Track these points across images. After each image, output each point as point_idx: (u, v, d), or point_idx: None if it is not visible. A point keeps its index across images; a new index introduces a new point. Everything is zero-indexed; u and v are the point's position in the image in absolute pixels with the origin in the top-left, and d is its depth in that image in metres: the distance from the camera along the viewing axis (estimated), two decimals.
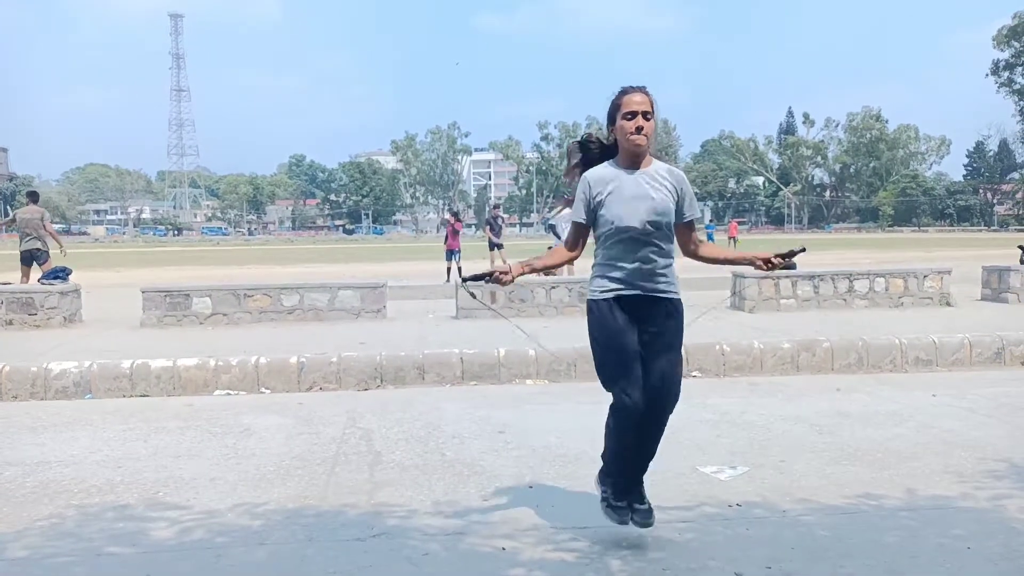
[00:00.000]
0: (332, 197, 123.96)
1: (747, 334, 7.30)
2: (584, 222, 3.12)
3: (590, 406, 5.59)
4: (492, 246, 16.85)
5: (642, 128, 2.98)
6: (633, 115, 2.98)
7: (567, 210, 14.97)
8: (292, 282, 10.27)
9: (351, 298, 9.37)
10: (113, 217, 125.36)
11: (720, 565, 2.92)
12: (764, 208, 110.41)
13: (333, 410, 5.59)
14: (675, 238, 3.15)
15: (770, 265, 3.05)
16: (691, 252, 3.22)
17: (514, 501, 3.63)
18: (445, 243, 17.30)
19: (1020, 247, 12.19)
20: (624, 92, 3.03)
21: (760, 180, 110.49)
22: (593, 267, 3.15)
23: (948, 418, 5.09)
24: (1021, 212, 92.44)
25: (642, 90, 3.03)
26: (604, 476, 3.20)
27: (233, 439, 4.84)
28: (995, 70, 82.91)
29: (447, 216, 22.46)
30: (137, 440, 4.85)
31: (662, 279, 3.05)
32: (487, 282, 3.08)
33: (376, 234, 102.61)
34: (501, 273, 3.04)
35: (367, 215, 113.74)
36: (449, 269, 16.78)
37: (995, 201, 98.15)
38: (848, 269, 10.36)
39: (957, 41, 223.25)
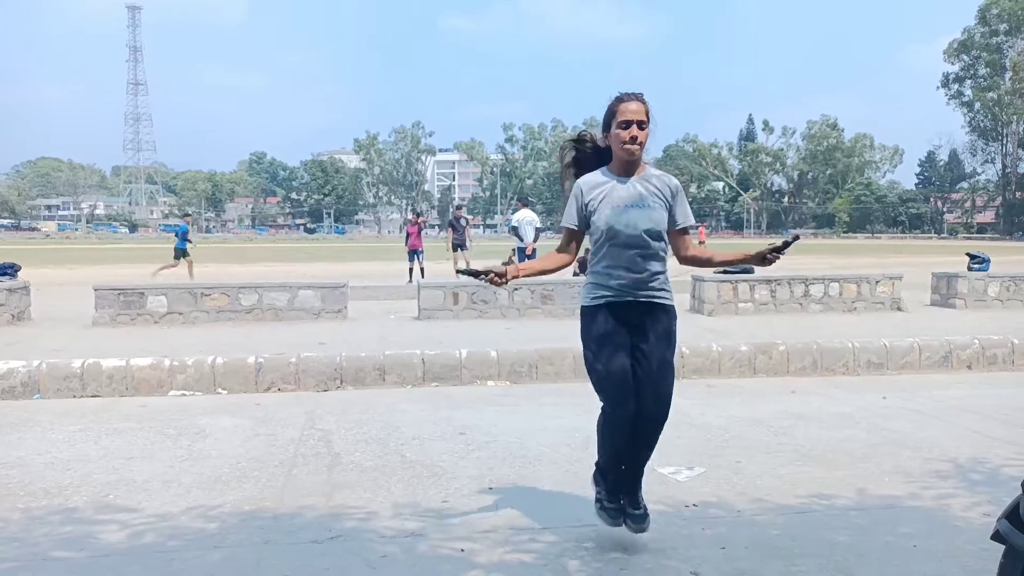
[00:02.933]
0: (293, 195, 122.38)
1: (705, 337, 7.41)
2: (576, 227, 3.13)
3: (552, 408, 5.62)
4: (455, 247, 16.79)
5: (636, 137, 3.00)
6: (628, 124, 3.00)
7: (525, 210, 15.04)
8: (251, 281, 10.10)
9: (311, 298, 9.27)
10: (65, 213, 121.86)
11: (677, 565, 2.96)
12: (724, 213, 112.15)
13: (292, 411, 5.52)
14: (672, 245, 3.17)
15: (770, 259, 3.03)
16: (685, 258, 3.24)
17: (474, 502, 3.63)
18: (407, 243, 17.19)
19: (968, 255, 12.58)
20: (620, 100, 3.04)
21: (721, 185, 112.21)
22: (587, 274, 3.16)
23: (898, 420, 5.23)
24: (969, 220, 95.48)
25: (638, 98, 3.04)
26: (598, 478, 3.21)
27: (188, 441, 4.74)
28: (945, 83, 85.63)
29: (409, 216, 22.34)
30: (87, 442, 4.73)
31: (655, 285, 3.07)
32: (481, 280, 2.98)
33: (338, 233, 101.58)
34: (496, 275, 2.96)
35: (329, 214, 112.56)
36: (411, 270, 16.69)
37: (945, 209, 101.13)
38: (804, 274, 10.58)
39: (910, 54, 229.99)
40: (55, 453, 4.48)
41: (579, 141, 3.28)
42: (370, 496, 3.72)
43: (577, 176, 3.22)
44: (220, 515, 3.47)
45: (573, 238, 3.17)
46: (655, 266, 3.06)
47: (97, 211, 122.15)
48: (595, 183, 3.10)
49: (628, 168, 3.08)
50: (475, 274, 2.96)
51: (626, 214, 3.01)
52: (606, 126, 3.10)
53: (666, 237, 3.10)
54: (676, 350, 3.17)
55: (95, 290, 8.99)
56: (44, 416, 5.39)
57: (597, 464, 3.24)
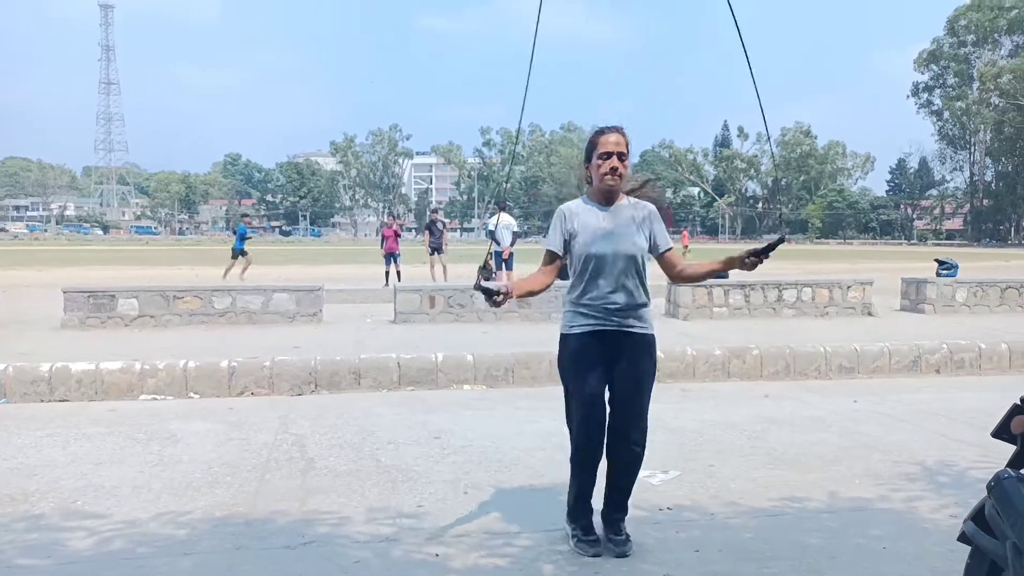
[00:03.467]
0: (269, 198, 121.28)
1: (680, 341, 7.46)
2: (557, 251, 3.19)
3: (527, 412, 5.63)
4: (432, 250, 16.81)
5: (616, 168, 3.10)
6: (608, 155, 3.10)
7: (502, 215, 15.06)
8: (224, 284, 9.99)
9: (286, 301, 9.19)
10: (35, 214, 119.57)
11: (651, 568, 2.97)
12: (699, 218, 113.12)
13: (265, 416, 5.46)
14: (661, 268, 3.27)
15: (752, 262, 3.04)
16: (676, 276, 3.30)
17: (449, 507, 3.62)
18: (383, 246, 17.11)
19: (936, 261, 12.82)
20: (600, 132, 3.15)
21: (696, 191, 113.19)
22: (566, 301, 3.21)
23: (868, 423, 5.30)
24: (938, 227, 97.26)
25: (618, 131, 3.15)
26: (571, 517, 3.23)
27: (159, 445, 4.67)
28: (916, 92, 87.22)
29: (386, 219, 22.24)
30: (55, 447, 4.64)
31: (633, 314, 3.12)
32: (493, 301, 2.94)
33: (314, 236, 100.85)
34: (504, 296, 2.94)
35: (305, 217, 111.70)
36: (388, 273, 16.61)
37: (915, 216, 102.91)
38: (777, 279, 10.70)
39: (881, 64, 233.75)
40: (21, 459, 4.39)
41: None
42: (344, 501, 3.70)
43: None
44: (191, 521, 3.43)
45: (555, 260, 3.22)
46: (634, 294, 3.12)
47: (67, 212, 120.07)
48: (575, 211, 3.19)
49: (608, 197, 3.18)
50: (487, 291, 2.92)
51: (605, 242, 3.09)
52: (587, 157, 3.20)
53: (644, 264, 3.16)
54: (653, 383, 3.20)
55: (64, 292, 8.83)
56: (10, 421, 5.28)
57: (570, 503, 3.24)
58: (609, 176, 3.10)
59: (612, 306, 3.08)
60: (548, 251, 3.22)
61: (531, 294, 3.23)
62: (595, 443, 3.11)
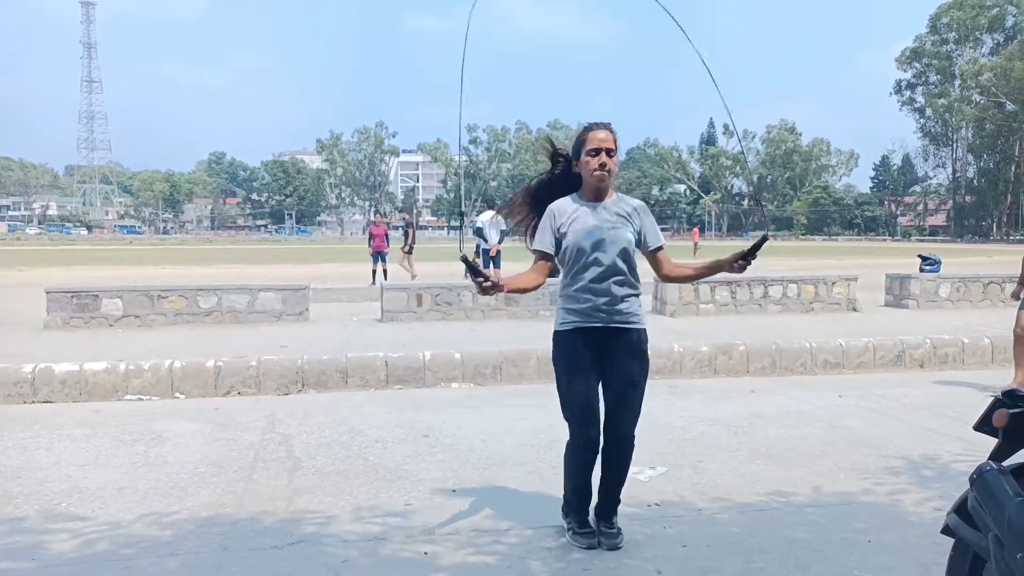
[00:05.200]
0: (254, 196, 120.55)
1: (667, 338, 7.49)
2: (547, 251, 3.18)
3: (515, 409, 5.63)
4: (407, 251, 16.97)
5: (605, 164, 3.09)
6: (597, 152, 3.09)
7: (490, 212, 15.06)
8: (210, 283, 9.93)
9: (272, 300, 9.14)
10: (16, 213, 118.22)
11: (639, 564, 2.98)
12: (686, 215, 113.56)
13: (252, 415, 5.43)
14: (650, 266, 3.27)
15: (741, 265, 3.06)
16: (665, 276, 3.31)
17: (437, 505, 3.62)
18: (371, 245, 17.05)
19: (920, 256, 12.93)
20: (589, 129, 3.14)
21: (682, 188, 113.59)
22: (558, 298, 3.22)
23: (853, 418, 5.35)
24: (922, 223, 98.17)
25: (607, 127, 3.14)
26: (567, 508, 3.27)
27: (144, 446, 4.64)
28: (898, 89, 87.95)
29: (373, 217, 22.16)
30: (39, 449, 4.60)
31: (625, 309, 3.13)
32: (478, 281, 2.84)
33: (300, 234, 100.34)
34: (487, 282, 2.84)
35: (291, 215, 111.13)
36: (375, 272, 16.56)
37: (899, 212, 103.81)
38: (763, 275, 10.76)
39: (865, 61, 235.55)
40: (4, 461, 4.34)
41: (555, 154, 3.33)
42: (332, 500, 3.69)
43: (536, 195, 3.31)
44: (177, 522, 3.41)
45: (545, 260, 3.21)
46: (625, 289, 3.13)
47: (50, 212, 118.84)
48: (566, 208, 3.17)
49: (597, 194, 3.17)
50: (475, 271, 2.85)
51: (595, 238, 3.09)
52: (576, 154, 3.19)
53: (634, 260, 3.17)
54: (647, 378, 3.22)
55: (47, 292, 8.74)
56: None
57: (565, 497, 3.28)
58: (598, 172, 3.09)
59: (603, 301, 3.09)
60: (538, 252, 3.20)
61: (522, 291, 3.24)
62: (591, 439, 3.13)
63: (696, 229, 47.30)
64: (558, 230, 3.15)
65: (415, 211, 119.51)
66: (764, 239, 3.01)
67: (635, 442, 3.19)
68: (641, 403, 3.19)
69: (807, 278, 10.79)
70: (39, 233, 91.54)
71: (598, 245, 3.08)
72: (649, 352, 3.26)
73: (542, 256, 3.20)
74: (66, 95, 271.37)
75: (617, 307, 3.11)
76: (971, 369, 7.39)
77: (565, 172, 3.28)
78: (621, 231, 3.11)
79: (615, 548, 3.10)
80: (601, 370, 3.13)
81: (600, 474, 3.20)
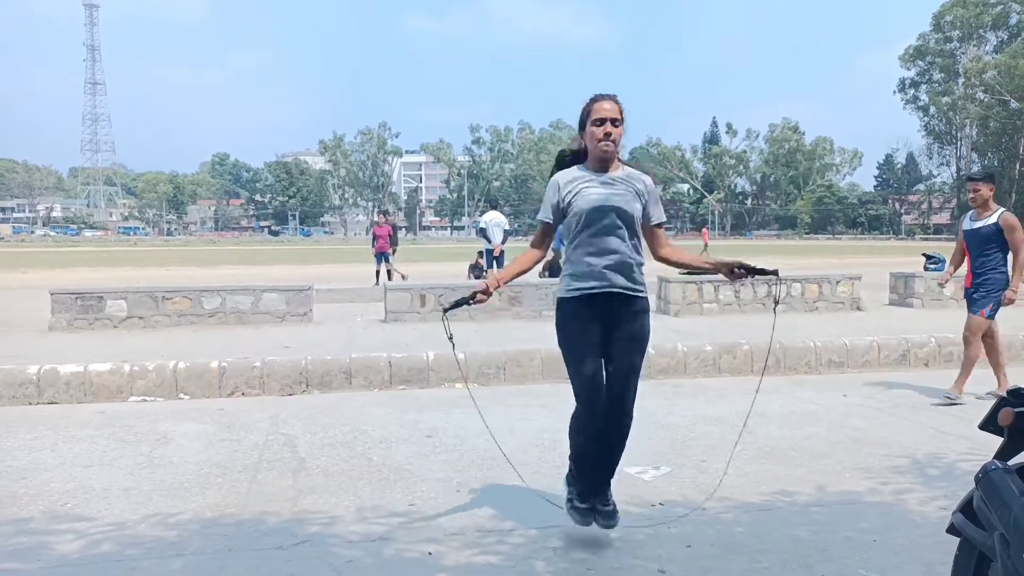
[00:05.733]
0: (257, 197, 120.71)
1: (671, 337, 7.48)
2: (551, 221, 3.18)
3: (519, 409, 5.63)
4: (393, 252, 16.85)
5: (610, 134, 3.08)
6: (602, 122, 3.08)
7: (493, 212, 15.05)
8: (214, 284, 9.94)
9: (276, 301, 9.15)
10: (21, 215, 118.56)
11: (643, 564, 2.98)
12: (689, 215, 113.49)
13: (256, 416, 5.44)
14: (647, 241, 3.24)
15: (737, 274, 3.10)
16: (660, 255, 3.31)
17: (441, 505, 3.62)
18: (375, 245, 17.06)
19: (924, 255, 12.90)
20: (594, 99, 3.13)
21: (685, 187, 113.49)
22: (563, 264, 3.22)
23: (858, 417, 5.33)
24: (926, 222, 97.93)
25: (612, 98, 3.13)
26: (570, 479, 3.26)
27: (149, 447, 4.65)
28: (902, 88, 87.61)
29: (377, 217, 22.17)
30: (44, 449, 4.61)
31: (630, 276, 3.12)
32: (471, 304, 3.05)
33: (303, 235, 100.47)
34: (481, 294, 3.04)
35: (294, 216, 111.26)
36: (379, 272, 16.56)
37: (903, 211, 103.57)
38: None
39: (868, 59, 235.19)
40: (9, 462, 4.35)
41: (560, 160, 3.34)
42: (336, 501, 3.69)
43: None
44: (181, 522, 3.41)
45: (547, 232, 3.23)
46: (629, 255, 3.11)
47: (54, 214, 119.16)
48: (571, 177, 3.17)
49: (603, 165, 3.16)
50: (464, 303, 2.97)
51: (602, 203, 3.08)
52: (581, 125, 3.18)
53: (638, 229, 3.15)
54: (647, 346, 3.21)
55: (51, 294, 8.76)
56: None
57: (570, 464, 3.26)
58: (604, 142, 3.08)
59: (606, 266, 3.08)
60: (540, 222, 3.22)
61: (522, 273, 3.27)
62: (595, 407, 3.09)
63: (705, 229, 47.34)
64: (563, 199, 3.14)
65: (418, 211, 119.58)
66: (775, 274, 3.10)
67: (632, 415, 3.19)
68: (639, 374, 3.19)
69: (811, 277, 10.77)
70: (44, 235, 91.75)
71: (603, 213, 3.06)
72: (652, 351, 3.27)
73: (544, 227, 3.21)
74: (70, 97, 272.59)
75: (621, 271, 3.09)
76: (976, 368, 7.35)
77: (573, 155, 3.30)
78: (627, 199, 3.10)
79: (610, 527, 3.11)
80: (604, 339, 3.12)
81: (596, 450, 3.17)
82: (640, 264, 3.17)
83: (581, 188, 3.11)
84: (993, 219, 5.75)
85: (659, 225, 3.23)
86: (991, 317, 5.81)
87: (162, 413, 5.56)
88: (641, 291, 3.17)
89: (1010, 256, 5.76)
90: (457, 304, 3.12)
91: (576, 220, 3.11)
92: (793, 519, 3.42)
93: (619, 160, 3.20)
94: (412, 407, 5.72)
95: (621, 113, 3.11)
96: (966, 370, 5.76)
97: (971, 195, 5.88)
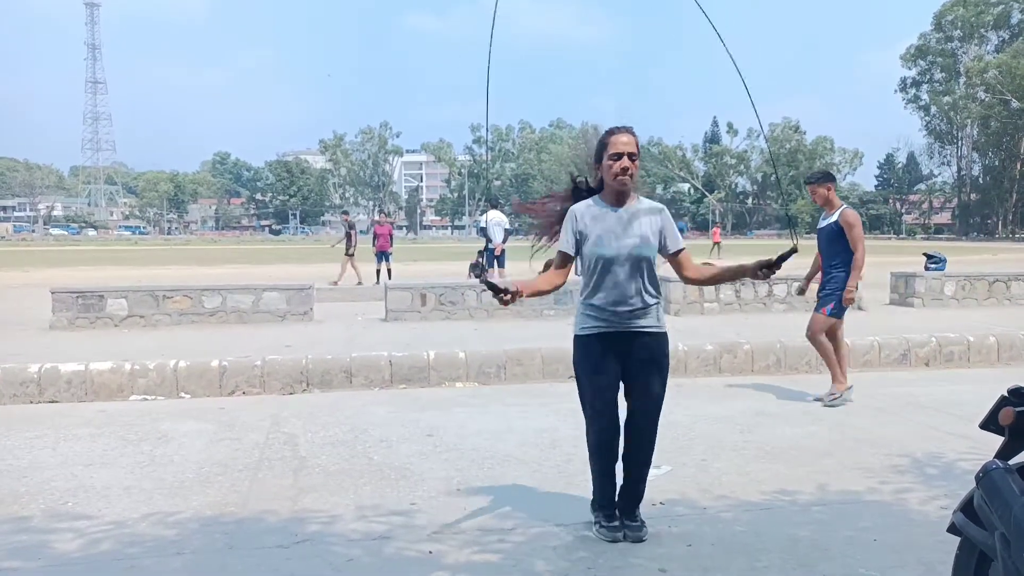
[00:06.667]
0: (258, 196, 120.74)
1: (672, 337, 7.46)
2: (569, 252, 3.21)
3: (520, 408, 5.63)
4: (349, 254, 16.69)
5: (627, 169, 3.10)
6: (619, 156, 3.09)
7: (494, 212, 15.06)
8: (215, 283, 9.95)
9: (277, 300, 9.15)
10: (21, 214, 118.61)
11: (643, 563, 2.98)
12: (690, 214, 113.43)
13: (256, 415, 5.44)
14: (673, 268, 3.29)
15: (765, 273, 3.10)
16: (688, 279, 3.34)
17: (442, 504, 3.62)
18: (375, 244, 17.06)
19: (925, 255, 12.89)
20: (611, 132, 3.16)
21: (686, 187, 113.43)
22: (578, 302, 3.25)
23: (858, 416, 5.33)
24: (927, 221, 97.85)
25: (629, 131, 3.16)
26: (594, 505, 3.32)
27: (150, 446, 4.65)
28: (903, 87, 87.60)
29: (377, 217, 22.17)
30: (45, 448, 4.61)
31: (645, 312, 3.15)
32: (499, 296, 2.94)
33: (303, 234, 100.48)
34: (507, 294, 2.93)
35: (294, 215, 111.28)
36: (379, 271, 16.57)
37: (903, 211, 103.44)
38: None
39: (869, 59, 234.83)
40: (10, 460, 4.36)
41: (576, 189, 3.36)
42: (336, 499, 3.69)
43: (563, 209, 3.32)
44: (182, 521, 3.41)
45: (567, 262, 3.26)
46: (646, 293, 3.15)
47: (55, 212, 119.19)
48: (587, 212, 3.20)
49: (619, 198, 3.18)
50: (493, 287, 2.93)
51: (617, 242, 3.11)
52: (598, 158, 3.20)
53: (654, 266, 3.19)
54: (667, 380, 3.26)
55: (52, 293, 8.77)
56: None
57: (593, 492, 3.33)
58: (620, 177, 3.10)
59: (621, 308, 3.12)
60: (560, 252, 3.25)
61: (540, 294, 3.29)
62: (610, 442, 3.18)
63: (716, 228, 47.25)
64: (579, 232, 3.18)
65: (418, 210, 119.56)
66: (793, 250, 3.02)
67: (655, 444, 3.25)
68: (660, 407, 3.25)
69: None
70: (45, 234, 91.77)
71: (616, 250, 3.10)
72: (669, 357, 3.29)
73: (563, 256, 3.23)
74: (71, 96, 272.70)
75: (634, 312, 3.14)
76: (977, 367, 7.36)
77: (588, 188, 3.33)
78: (641, 236, 3.13)
79: (639, 540, 3.15)
80: (621, 374, 3.17)
81: (622, 475, 3.26)
82: (657, 301, 3.20)
83: (593, 225, 3.14)
84: (834, 217, 5.77)
85: (679, 252, 3.24)
86: (833, 315, 5.79)
87: (163, 412, 5.56)
88: (657, 327, 3.20)
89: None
90: (488, 283, 2.95)
91: (591, 260, 3.15)
92: (794, 518, 3.42)
93: (634, 193, 3.22)
94: (413, 406, 5.72)
95: (637, 146, 3.13)
96: (830, 365, 5.78)
97: (813, 197, 5.92)
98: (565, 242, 3.22)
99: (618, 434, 3.19)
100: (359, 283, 15.71)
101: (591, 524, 3.29)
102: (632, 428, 3.20)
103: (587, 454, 3.29)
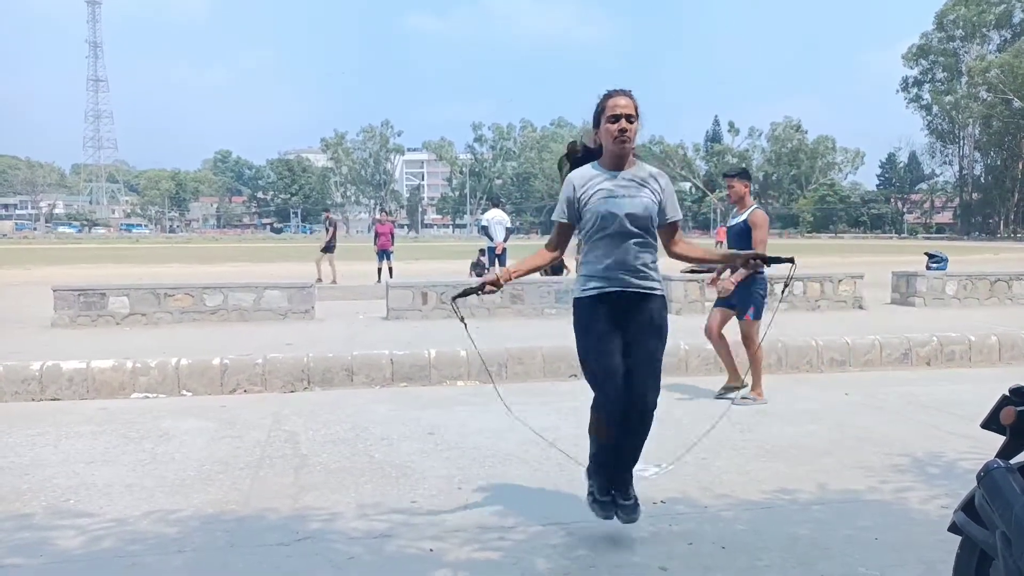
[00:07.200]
0: (260, 195, 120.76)
1: (674, 335, 7.46)
2: (567, 221, 3.17)
3: (521, 407, 5.61)
4: (327, 249, 16.57)
5: (626, 131, 3.05)
6: (617, 118, 3.05)
7: (495, 210, 15.05)
8: (216, 281, 9.95)
9: (278, 298, 9.16)
10: (23, 212, 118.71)
11: (644, 561, 2.98)
12: (691, 213, 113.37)
13: (258, 413, 5.45)
14: (661, 238, 3.22)
15: (755, 265, 3.11)
16: (674, 252, 3.30)
17: (443, 502, 3.62)
18: (376, 243, 17.07)
19: (926, 254, 12.88)
20: (609, 96, 3.10)
21: (687, 186, 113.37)
22: (579, 266, 3.20)
23: (859, 415, 5.33)
24: (928, 221, 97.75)
25: (627, 94, 3.10)
26: (590, 472, 3.25)
27: (151, 444, 4.66)
28: (905, 86, 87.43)
29: (378, 215, 22.17)
30: (47, 446, 4.62)
31: (646, 275, 3.12)
32: (480, 295, 3.06)
33: (304, 233, 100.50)
34: (491, 284, 3.04)
35: (296, 214, 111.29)
36: (380, 270, 16.58)
37: (905, 210, 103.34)
38: (768, 273, 10.71)
39: (871, 58, 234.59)
40: (12, 458, 4.36)
41: (570, 154, 3.34)
42: (338, 497, 3.69)
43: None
44: (183, 519, 3.42)
45: (563, 232, 3.22)
46: (645, 256, 3.11)
47: (56, 210, 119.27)
48: (587, 176, 3.14)
49: (618, 162, 3.13)
50: (473, 292, 2.97)
51: (617, 205, 3.06)
52: (596, 122, 3.15)
53: (653, 227, 3.14)
54: (666, 335, 3.22)
55: (54, 290, 8.78)
56: (1, 421, 5.24)
57: (590, 458, 3.25)
58: (619, 138, 3.05)
59: (622, 266, 3.07)
60: (556, 222, 3.21)
61: (536, 270, 3.25)
62: (614, 403, 3.07)
63: (721, 228, 47.26)
64: (578, 200, 3.12)
65: (420, 209, 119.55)
66: (790, 260, 3.08)
67: (655, 409, 3.16)
68: (660, 372, 3.18)
69: (813, 276, 10.76)
70: (48, 231, 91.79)
71: (618, 211, 3.05)
72: (667, 322, 3.24)
73: (560, 227, 3.20)
74: (72, 94, 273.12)
75: (638, 272, 3.09)
76: (978, 367, 7.36)
77: (586, 151, 3.28)
78: (643, 198, 3.08)
79: (631, 521, 3.10)
80: (622, 337, 3.11)
81: (617, 444, 3.16)
82: (654, 263, 3.16)
83: (596, 189, 3.10)
84: (744, 216, 5.78)
85: (674, 222, 3.21)
86: (756, 317, 5.78)
87: (164, 410, 5.57)
88: (656, 288, 3.16)
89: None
90: (466, 293, 3.11)
91: (591, 223, 3.10)
92: (794, 517, 3.42)
93: (635, 156, 3.17)
94: (414, 404, 5.73)
95: (636, 109, 3.08)
96: (729, 366, 5.95)
97: (728, 191, 5.90)
98: (560, 211, 3.17)
99: (621, 397, 3.08)
100: (318, 280, 15.12)
101: (587, 494, 3.20)
102: (634, 399, 3.10)
103: (588, 441, 3.20)
